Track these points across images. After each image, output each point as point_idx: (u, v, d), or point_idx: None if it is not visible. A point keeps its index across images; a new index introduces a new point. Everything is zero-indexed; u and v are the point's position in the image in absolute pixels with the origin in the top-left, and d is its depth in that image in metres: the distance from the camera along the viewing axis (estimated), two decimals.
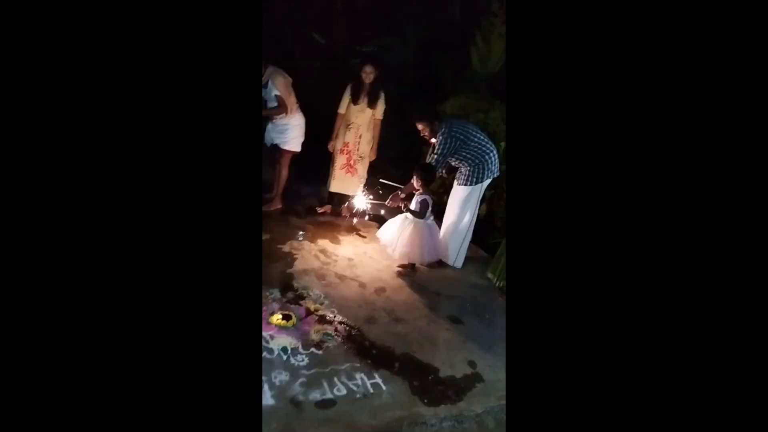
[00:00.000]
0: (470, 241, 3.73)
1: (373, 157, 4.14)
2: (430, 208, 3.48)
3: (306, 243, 3.64)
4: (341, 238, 3.86)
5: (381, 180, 3.81)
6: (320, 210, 4.26)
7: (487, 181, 3.60)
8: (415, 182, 3.47)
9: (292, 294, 2.90)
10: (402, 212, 3.53)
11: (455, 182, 3.68)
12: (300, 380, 2.21)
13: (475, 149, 3.52)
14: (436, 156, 3.50)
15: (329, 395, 2.16)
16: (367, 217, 3.97)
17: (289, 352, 2.37)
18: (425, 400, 2.24)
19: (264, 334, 2.46)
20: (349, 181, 4.10)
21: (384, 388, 2.27)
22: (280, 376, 2.20)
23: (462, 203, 3.61)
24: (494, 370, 2.54)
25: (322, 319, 2.70)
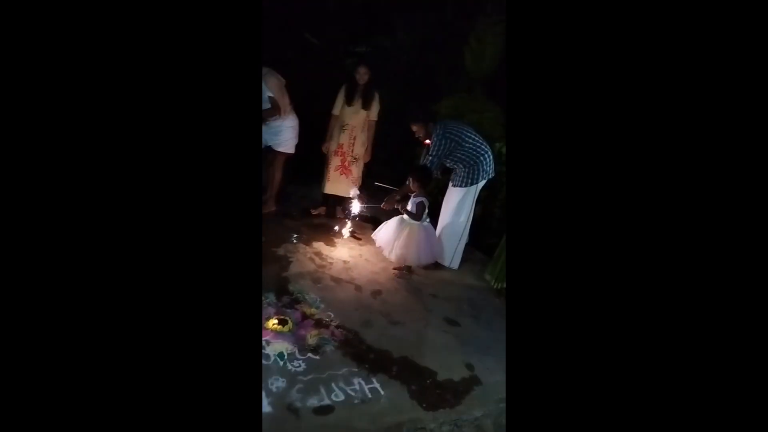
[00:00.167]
0: (466, 243, 3.72)
1: (368, 159, 4.13)
2: (426, 210, 3.47)
3: (301, 246, 3.61)
4: (336, 240, 3.84)
5: (376, 183, 3.79)
6: (315, 212, 4.24)
7: (482, 182, 3.59)
8: (411, 184, 3.46)
9: (287, 298, 2.86)
10: (397, 214, 3.52)
11: (450, 184, 3.67)
12: (297, 386, 2.17)
13: (470, 150, 3.51)
14: (430, 158, 3.49)
15: (327, 401, 2.13)
16: (357, 219, 3.95)
17: (286, 357, 2.34)
18: (424, 405, 2.23)
19: None
20: (344, 183, 4.08)
21: (382, 392, 2.25)
22: (277, 383, 2.17)
23: (457, 205, 3.60)
24: (492, 373, 2.53)
25: (319, 324, 2.67)
